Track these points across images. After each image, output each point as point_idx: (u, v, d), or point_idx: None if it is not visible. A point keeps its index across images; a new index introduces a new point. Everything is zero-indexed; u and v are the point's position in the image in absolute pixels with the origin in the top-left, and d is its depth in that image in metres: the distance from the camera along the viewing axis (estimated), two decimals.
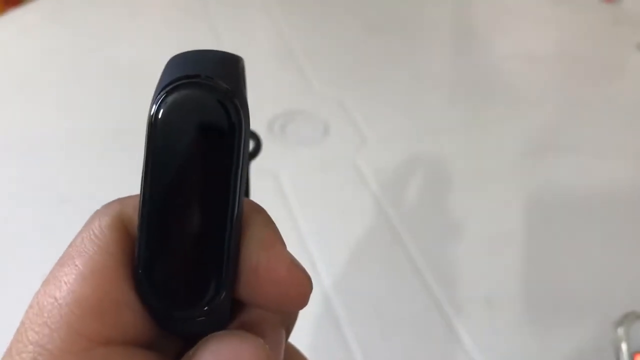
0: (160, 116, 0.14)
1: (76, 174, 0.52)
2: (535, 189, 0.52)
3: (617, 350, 0.37)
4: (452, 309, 0.42)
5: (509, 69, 0.68)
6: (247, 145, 0.15)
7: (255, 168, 0.57)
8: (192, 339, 0.14)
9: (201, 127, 0.14)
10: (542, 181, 0.53)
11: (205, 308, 0.15)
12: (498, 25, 0.76)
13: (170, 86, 0.14)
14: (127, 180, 0.58)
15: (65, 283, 0.14)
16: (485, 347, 0.40)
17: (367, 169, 0.53)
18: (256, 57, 0.67)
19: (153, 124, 0.15)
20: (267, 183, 0.50)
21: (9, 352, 0.14)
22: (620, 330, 0.38)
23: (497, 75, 0.67)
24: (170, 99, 0.14)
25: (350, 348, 0.39)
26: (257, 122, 0.57)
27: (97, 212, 0.16)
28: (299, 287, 0.15)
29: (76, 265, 0.14)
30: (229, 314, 0.16)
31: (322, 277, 0.43)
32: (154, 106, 0.14)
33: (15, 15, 0.73)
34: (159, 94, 0.14)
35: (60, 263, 0.15)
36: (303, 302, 0.16)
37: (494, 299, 0.43)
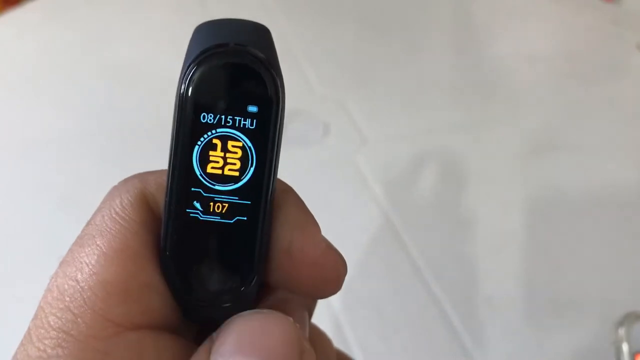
0: (191, 88, 0.13)
1: (76, 174, 0.52)
2: (535, 189, 0.51)
3: (618, 350, 0.37)
4: (452, 309, 0.42)
5: (509, 68, 0.68)
6: (282, 120, 0.14)
7: None
8: (216, 325, 0.13)
9: (235, 100, 0.13)
10: (542, 181, 0.52)
11: (234, 294, 0.14)
12: (498, 24, 0.76)
13: (201, 57, 0.13)
14: None
15: (87, 264, 0.13)
16: (485, 347, 0.40)
17: (367, 169, 0.53)
18: None
19: (183, 99, 0.13)
20: None
21: (28, 338, 0.13)
22: (621, 331, 0.38)
23: (497, 75, 0.67)
24: (201, 69, 0.13)
25: (351, 348, 0.39)
26: None
27: (116, 189, 0.15)
28: (334, 270, 0.15)
29: (98, 246, 0.13)
30: (256, 299, 0.15)
31: None
32: (184, 80, 0.13)
33: (15, 14, 0.73)
34: (188, 66, 0.13)
35: (80, 243, 0.14)
36: (337, 285, 0.15)
37: (494, 299, 0.43)
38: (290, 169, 0.54)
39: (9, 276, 0.43)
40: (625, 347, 0.37)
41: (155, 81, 0.62)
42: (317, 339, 0.18)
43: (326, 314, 0.41)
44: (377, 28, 0.74)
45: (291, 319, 0.13)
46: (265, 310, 0.13)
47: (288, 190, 0.15)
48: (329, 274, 0.15)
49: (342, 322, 0.41)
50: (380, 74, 0.66)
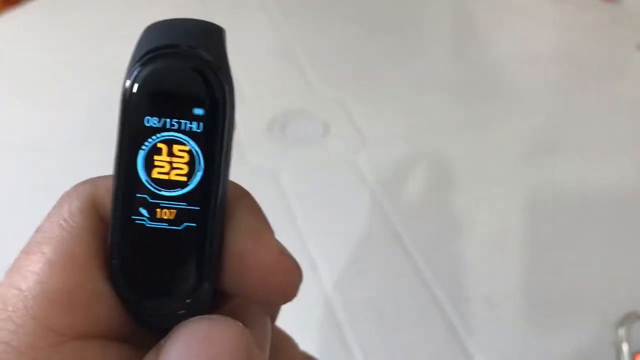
0: (135, 90, 0.13)
1: (76, 174, 0.52)
2: (535, 189, 0.51)
3: (618, 350, 0.37)
4: (452, 309, 0.42)
5: (509, 68, 0.68)
6: (232, 122, 0.14)
7: (255, 168, 0.57)
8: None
9: (181, 101, 0.13)
10: (542, 181, 0.53)
11: (186, 301, 0.14)
12: (498, 25, 0.76)
13: (147, 57, 0.13)
14: None
15: (32, 273, 0.13)
16: (485, 347, 0.40)
17: (367, 169, 0.53)
18: (256, 57, 0.67)
19: (127, 99, 0.13)
20: (266, 183, 0.50)
21: None
22: (621, 331, 0.38)
23: (497, 75, 0.67)
24: (146, 70, 0.13)
25: (350, 348, 0.39)
26: (256, 122, 0.57)
27: (66, 194, 0.14)
28: (288, 277, 0.14)
29: (44, 253, 0.13)
30: (211, 306, 0.15)
31: (322, 277, 0.43)
32: (128, 79, 0.13)
33: (15, 14, 0.73)
34: (133, 65, 0.13)
35: (26, 251, 0.13)
36: (292, 293, 0.15)
37: (494, 299, 0.43)
38: (290, 169, 0.54)
39: None
40: (625, 347, 0.37)
41: None
42: (282, 343, 0.17)
43: (326, 314, 0.41)
44: (377, 28, 0.74)
45: (241, 324, 0.12)
46: (213, 316, 0.13)
47: (243, 194, 0.15)
48: (283, 280, 0.14)
49: (342, 322, 0.41)
50: (380, 74, 0.66)
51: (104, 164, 0.58)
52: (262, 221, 0.15)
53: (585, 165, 0.54)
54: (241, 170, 0.62)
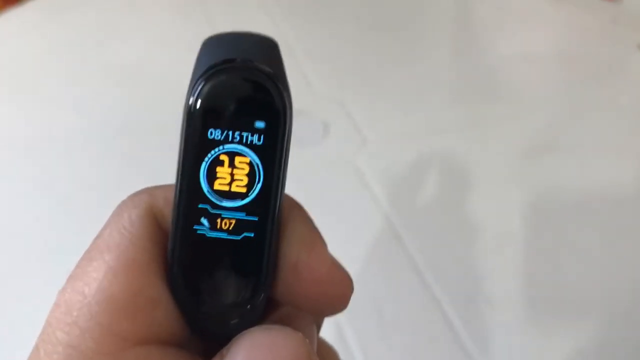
0: (199, 104, 0.13)
1: (76, 174, 0.52)
2: (536, 189, 0.51)
3: None
4: (452, 309, 0.42)
5: (509, 68, 0.68)
6: (290, 132, 0.14)
7: None
8: (223, 341, 0.13)
9: (242, 114, 0.13)
10: (542, 181, 0.53)
11: (242, 309, 0.14)
12: (498, 25, 0.76)
13: (209, 72, 0.13)
14: (128, 179, 0.58)
15: (95, 279, 0.13)
16: (485, 347, 0.40)
17: (367, 169, 0.53)
18: None
19: (191, 113, 0.13)
20: None
21: (36, 352, 0.13)
22: None
23: (497, 75, 0.67)
24: (209, 85, 0.13)
25: (350, 348, 0.39)
26: None
27: (124, 204, 0.15)
28: (341, 288, 0.15)
29: (106, 260, 0.13)
30: (263, 315, 0.15)
31: None
32: (192, 94, 0.13)
33: (15, 14, 0.73)
34: (196, 80, 0.13)
35: (88, 257, 0.14)
36: (344, 303, 0.15)
37: (494, 299, 0.43)
38: (290, 169, 0.54)
39: (10, 275, 0.43)
40: None
41: (155, 81, 0.62)
42: (325, 353, 0.18)
43: None
44: (378, 28, 0.74)
45: (301, 334, 0.13)
46: (274, 326, 0.13)
47: (295, 206, 0.15)
48: (335, 291, 0.15)
49: (342, 323, 0.41)
50: (381, 73, 0.66)
51: (104, 163, 0.58)
52: (314, 232, 0.15)
53: (585, 165, 0.54)
54: None
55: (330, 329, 0.40)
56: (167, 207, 0.14)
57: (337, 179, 0.52)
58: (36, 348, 0.13)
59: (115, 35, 0.71)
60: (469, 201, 0.50)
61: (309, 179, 0.52)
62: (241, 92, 0.13)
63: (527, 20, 0.77)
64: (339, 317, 0.41)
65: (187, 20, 0.74)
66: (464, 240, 0.47)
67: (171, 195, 0.14)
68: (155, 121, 0.56)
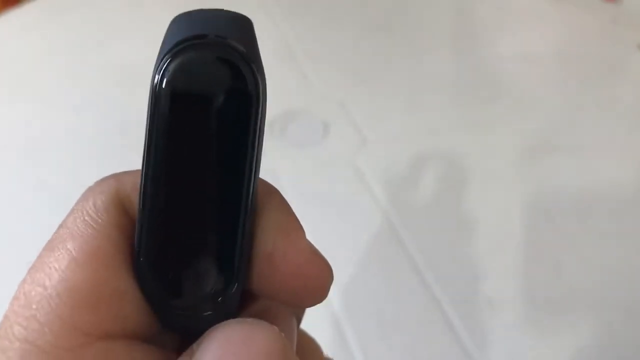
0: (165, 83, 0.12)
1: (76, 174, 0.52)
2: (535, 189, 0.51)
3: None
4: (452, 309, 0.42)
5: (509, 68, 0.68)
6: (264, 115, 0.13)
7: None
8: (196, 335, 0.12)
9: (212, 94, 0.12)
10: (542, 181, 0.52)
11: (215, 301, 0.13)
12: (498, 25, 0.76)
13: (176, 48, 0.12)
14: None
15: (56, 270, 0.12)
16: (485, 347, 0.40)
17: (367, 169, 0.53)
18: None
19: (157, 92, 0.12)
20: None
21: None
22: None
23: (497, 75, 0.67)
24: (176, 62, 0.12)
25: (350, 348, 0.39)
26: None
27: (90, 190, 0.14)
28: (319, 279, 0.14)
29: (68, 250, 0.12)
30: (238, 307, 0.14)
31: None
32: (158, 72, 0.12)
33: (14, 14, 0.73)
34: (162, 57, 0.12)
35: (50, 247, 0.13)
36: (322, 294, 0.14)
37: (494, 299, 0.43)
38: (290, 169, 0.54)
39: (9, 276, 0.43)
40: None
41: None
42: (306, 346, 0.17)
43: (326, 314, 0.41)
44: (378, 28, 0.74)
45: (276, 327, 0.12)
46: (248, 320, 0.12)
47: (272, 192, 0.14)
48: (313, 282, 0.14)
49: (342, 322, 0.41)
50: (380, 74, 0.66)
51: (105, 163, 0.59)
52: (292, 219, 0.14)
53: (586, 165, 0.54)
54: None
55: (330, 329, 0.40)
56: (134, 193, 0.13)
57: (337, 179, 0.52)
58: None
59: (115, 35, 0.71)
60: (469, 201, 0.50)
61: (309, 179, 0.52)
62: (211, 69, 0.12)
63: (527, 20, 0.77)
64: (339, 317, 0.41)
65: None
66: (464, 240, 0.47)
67: (139, 182, 0.13)
68: None
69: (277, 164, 0.52)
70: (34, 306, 0.12)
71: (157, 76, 0.12)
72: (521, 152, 0.56)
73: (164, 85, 0.12)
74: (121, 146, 0.54)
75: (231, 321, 0.12)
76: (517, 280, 0.44)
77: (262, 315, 0.13)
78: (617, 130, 0.59)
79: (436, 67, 0.68)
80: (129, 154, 0.53)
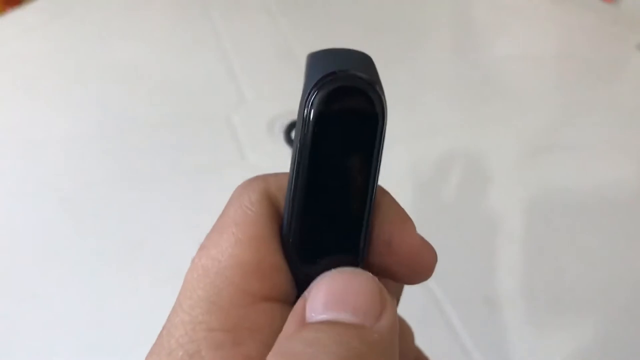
0: (314, 108, 0.16)
1: (77, 174, 0.52)
2: (535, 189, 0.52)
3: None
4: (452, 309, 0.42)
5: (509, 69, 0.68)
6: (385, 132, 0.16)
7: (255, 168, 0.56)
8: None
9: (350, 116, 0.16)
10: (542, 181, 0.53)
11: None
12: (498, 25, 0.76)
13: (323, 81, 0.16)
14: (128, 179, 0.58)
15: (226, 248, 0.16)
16: (485, 347, 0.40)
17: None
18: (256, 56, 0.67)
19: (305, 118, 0.16)
20: None
21: (179, 307, 0.16)
22: None
23: (497, 75, 0.67)
24: (323, 92, 0.15)
25: None
26: (256, 122, 0.57)
27: (243, 188, 0.17)
28: (428, 259, 0.18)
29: (234, 233, 0.16)
30: None
31: None
32: (308, 99, 0.16)
33: (16, 15, 0.73)
34: (311, 88, 0.16)
35: (218, 231, 0.16)
36: (430, 272, 0.18)
37: (494, 299, 0.43)
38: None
39: (11, 275, 0.44)
40: None
41: (156, 81, 0.62)
42: (401, 329, 0.20)
43: None
44: (377, 28, 0.74)
45: (374, 276, 0.15)
46: (347, 269, 0.15)
47: (384, 192, 0.18)
48: (424, 264, 0.18)
49: None
50: (380, 73, 0.66)
51: (105, 163, 0.58)
52: (404, 213, 0.18)
53: (586, 165, 0.54)
54: (241, 170, 0.61)
55: None
56: (279, 192, 0.17)
57: None
58: (179, 303, 0.16)
59: (116, 36, 0.71)
60: (469, 201, 0.50)
61: None
62: (347, 98, 0.16)
63: (527, 20, 0.77)
64: None
65: (188, 21, 0.74)
66: (463, 239, 0.47)
67: (282, 184, 0.17)
68: (155, 121, 0.56)
69: (277, 164, 0.52)
70: (212, 275, 0.16)
71: (308, 100, 0.16)
72: (521, 152, 0.56)
73: (314, 109, 0.16)
74: (122, 146, 0.54)
75: (334, 270, 0.15)
76: (517, 280, 0.44)
77: None
78: (617, 130, 0.59)
79: (436, 67, 0.68)
80: (130, 153, 0.54)
